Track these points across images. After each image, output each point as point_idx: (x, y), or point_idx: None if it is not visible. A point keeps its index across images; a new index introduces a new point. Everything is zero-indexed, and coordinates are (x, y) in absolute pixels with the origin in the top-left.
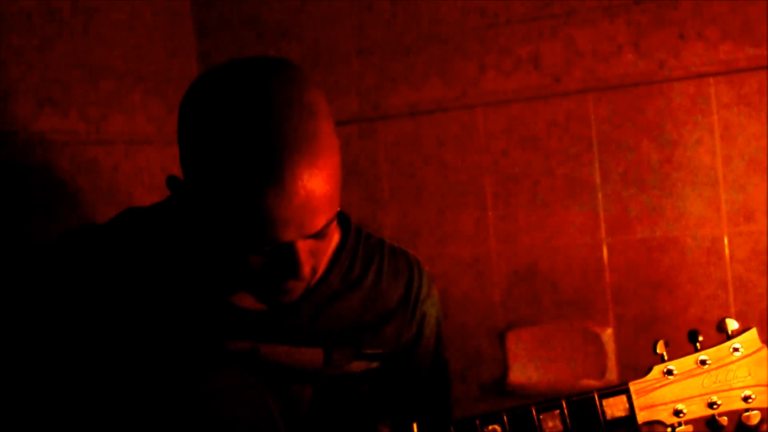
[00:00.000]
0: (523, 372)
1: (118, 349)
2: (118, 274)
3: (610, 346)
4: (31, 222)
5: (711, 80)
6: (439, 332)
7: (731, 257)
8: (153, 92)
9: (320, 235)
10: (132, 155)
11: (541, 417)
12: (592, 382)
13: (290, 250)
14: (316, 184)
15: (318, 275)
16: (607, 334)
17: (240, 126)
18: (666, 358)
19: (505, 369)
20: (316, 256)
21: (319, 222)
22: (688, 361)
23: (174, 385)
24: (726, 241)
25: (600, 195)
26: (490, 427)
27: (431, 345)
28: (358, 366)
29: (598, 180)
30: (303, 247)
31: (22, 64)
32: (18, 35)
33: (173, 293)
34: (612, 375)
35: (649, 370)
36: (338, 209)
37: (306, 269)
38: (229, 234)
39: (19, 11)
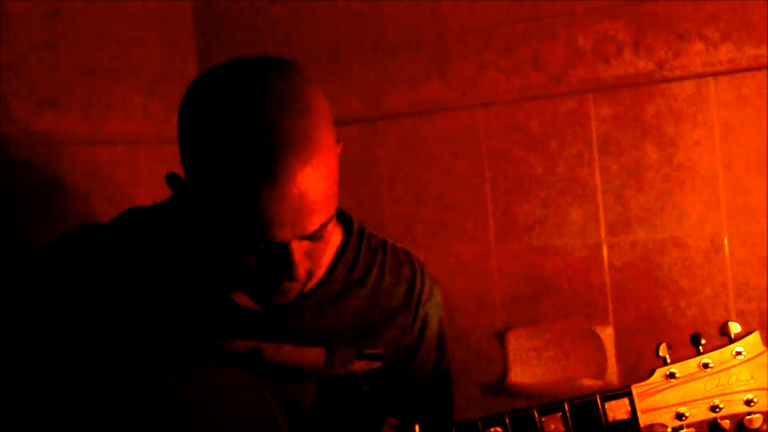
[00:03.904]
0: (523, 372)
1: (119, 347)
2: (121, 274)
3: (610, 346)
4: (31, 222)
5: (711, 80)
6: (442, 333)
7: (731, 257)
8: (153, 92)
9: (316, 236)
10: (132, 155)
11: (543, 419)
12: (592, 383)
13: (284, 250)
14: (311, 184)
15: (320, 275)
16: (607, 334)
17: (236, 125)
18: (668, 361)
19: (505, 369)
20: (312, 257)
21: (314, 223)
22: (691, 365)
23: (175, 383)
24: (726, 241)
25: (600, 195)
26: (492, 430)
27: (433, 345)
28: (360, 366)
29: (598, 180)
30: (298, 248)
31: (22, 64)
32: (18, 35)
33: (175, 292)
34: (612, 375)
35: (652, 372)
36: (335, 211)
37: (300, 270)
38: (225, 233)
39: (19, 12)
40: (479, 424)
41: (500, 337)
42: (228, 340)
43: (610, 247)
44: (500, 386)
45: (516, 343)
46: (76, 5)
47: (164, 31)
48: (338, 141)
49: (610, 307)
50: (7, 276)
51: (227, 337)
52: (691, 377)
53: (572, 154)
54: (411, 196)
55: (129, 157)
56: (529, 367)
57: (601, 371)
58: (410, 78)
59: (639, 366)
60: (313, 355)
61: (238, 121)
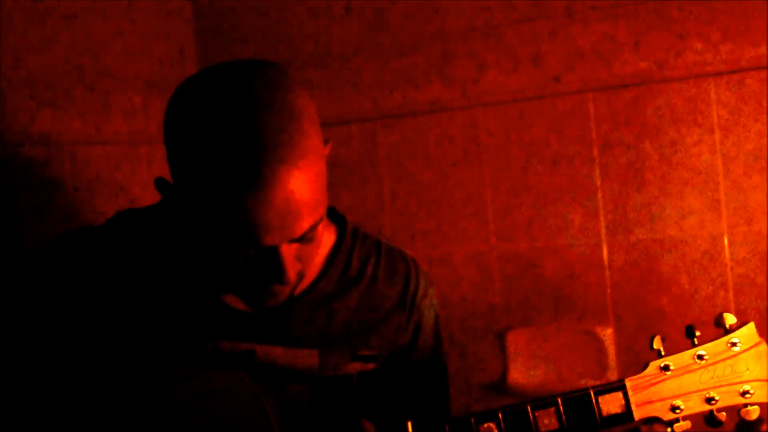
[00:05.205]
0: (523, 372)
1: (114, 348)
2: (115, 276)
3: (610, 346)
4: (30, 222)
5: (711, 80)
6: (438, 332)
7: (731, 257)
8: (153, 92)
9: (306, 239)
10: (132, 155)
11: (536, 414)
12: (592, 382)
13: (274, 254)
14: (298, 188)
15: (312, 276)
16: (607, 334)
17: (221, 129)
18: (663, 353)
19: (504, 369)
20: (302, 259)
21: (302, 226)
22: (685, 357)
23: (169, 385)
24: (726, 241)
25: (600, 195)
26: (486, 425)
27: (429, 345)
28: (354, 367)
29: (598, 180)
30: (287, 251)
31: (22, 64)
32: (17, 35)
33: (168, 294)
34: (612, 375)
35: (646, 365)
36: (324, 212)
37: (291, 274)
38: (213, 237)
39: (18, 11)
40: (472, 420)
41: (500, 337)
42: (221, 342)
43: (610, 247)
44: (500, 386)
45: (516, 343)
46: (76, 4)
47: (164, 31)
48: (326, 142)
49: (610, 307)
50: (4, 275)
51: (220, 338)
52: (685, 369)
53: (572, 154)
54: (411, 196)
55: (129, 157)
56: (529, 367)
57: (601, 371)
58: (410, 78)
59: (639, 366)
60: (306, 357)
61: (223, 125)
